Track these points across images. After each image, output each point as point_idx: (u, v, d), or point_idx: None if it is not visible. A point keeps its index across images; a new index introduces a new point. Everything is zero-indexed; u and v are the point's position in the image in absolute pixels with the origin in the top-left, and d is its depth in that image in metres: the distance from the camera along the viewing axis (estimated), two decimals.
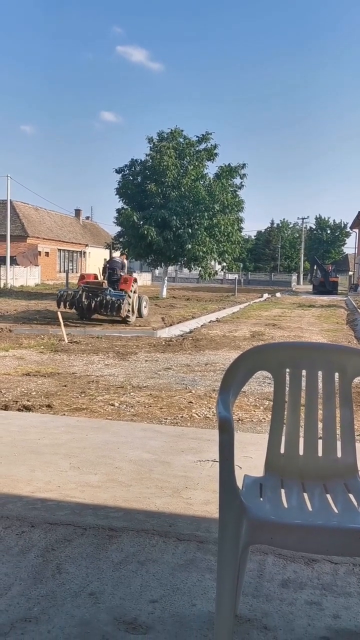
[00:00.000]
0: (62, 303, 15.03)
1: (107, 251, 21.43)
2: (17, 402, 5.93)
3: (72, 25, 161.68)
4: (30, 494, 3.17)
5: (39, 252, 45.62)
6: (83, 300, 15.08)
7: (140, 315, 16.79)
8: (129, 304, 15.54)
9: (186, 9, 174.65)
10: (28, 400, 6.04)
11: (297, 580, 2.37)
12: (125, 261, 18.28)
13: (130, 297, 15.81)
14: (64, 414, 5.48)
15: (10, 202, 41.21)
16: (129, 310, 15.38)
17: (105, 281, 16.23)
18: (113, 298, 14.92)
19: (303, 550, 2.23)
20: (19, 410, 5.59)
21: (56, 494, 3.19)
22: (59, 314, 13.01)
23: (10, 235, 40.01)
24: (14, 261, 40.45)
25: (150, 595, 2.23)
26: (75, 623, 2.04)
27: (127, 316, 15.25)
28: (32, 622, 2.04)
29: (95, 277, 17.39)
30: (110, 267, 17.16)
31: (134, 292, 16.40)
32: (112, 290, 15.51)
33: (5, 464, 3.66)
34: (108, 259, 18.25)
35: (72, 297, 15.13)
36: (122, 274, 17.05)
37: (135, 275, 26.51)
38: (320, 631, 2.04)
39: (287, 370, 2.23)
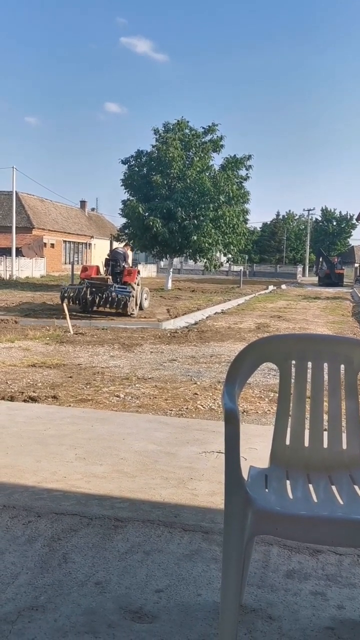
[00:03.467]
0: (65, 299, 14.89)
1: (110, 243, 21.30)
2: (23, 393, 5.96)
3: (76, 16, 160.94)
4: (37, 484, 3.19)
5: (45, 243, 45.63)
6: (87, 296, 14.94)
7: (141, 307, 16.67)
8: (133, 305, 15.44)
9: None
10: (34, 392, 6.06)
11: (302, 571, 2.38)
12: (129, 252, 18.13)
13: (135, 290, 15.76)
14: (70, 405, 5.50)
15: (16, 193, 41.17)
16: (132, 314, 15.29)
17: (110, 277, 15.99)
18: (119, 295, 14.75)
19: (308, 541, 2.23)
20: (24, 401, 5.62)
21: (62, 484, 3.21)
22: (64, 305, 13.04)
23: (16, 227, 40.01)
24: (19, 253, 40.46)
25: (156, 584, 2.24)
26: (81, 612, 2.06)
27: (132, 311, 15.16)
28: (38, 611, 2.06)
29: (98, 269, 17.28)
30: (112, 259, 17.05)
31: (138, 285, 16.35)
32: (117, 286, 15.34)
33: (11, 454, 3.68)
34: (110, 250, 18.13)
35: (77, 293, 14.98)
36: (125, 265, 16.96)
37: (139, 266, 26.51)
38: (324, 621, 2.05)
39: (293, 362, 2.23)
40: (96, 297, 14.95)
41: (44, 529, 2.69)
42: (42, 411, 4.93)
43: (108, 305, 14.57)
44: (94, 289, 15.11)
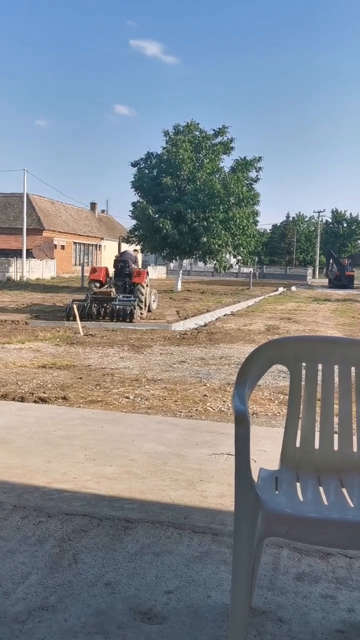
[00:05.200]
0: (71, 317, 14.55)
1: (123, 245, 21.28)
2: (33, 394, 5.98)
3: (86, 19, 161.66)
4: (47, 485, 3.21)
5: (55, 245, 45.80)
6: (93, 310, 14.79)
7: (149, 310, 16.62)
8: (141, 308, 15.37)
9: (199, 1, 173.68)
10: (44, 392, 6.08)
11: (312, 573, 2.38)
12: (139, 255, 18.10)
13: (143, 293, 15.71)
14: (80, 406, 5.52)
15: (27, 195, 41.38)
16: (141, 314, 15.23)
17: (113, 289, 15.79)
18: (124, 305, 14.61)
19: (318, 543, 2.23)
20: (35, 402, 5.64)
21: (72, 485, 3.22)
22: (74, 307, 13.07)
23: (27, 229, 40.20)
24: (30, 254, 40.64)
25: (166, 586, 2.24)
26: (91, 612, 2.07)
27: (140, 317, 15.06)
28: (49, 611, 2.06)
29: (107, 270, 17.27)
30: (121, 260, 17.06)
31: (147, 286, 16.34)
32: (120, 297, 15.19)
33: (22, 455, 3.69)
34: (119, 252, 18.10)
35: (82, 310, 14.73)
36: (134, 266, 16.96)
37: (149, 268, 26.49)
38: (334, 624, 2.04)
39: (303, 364, 2.23)
40: (101, 310, 14.88)
41: (54, 529, 2.70)
42: (52, 412, 4.95)
43: (115, 319, 14.38)
44: (96, 303, 15.00)
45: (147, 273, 17.11)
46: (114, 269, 17.11)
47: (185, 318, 15.66)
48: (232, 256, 31.01)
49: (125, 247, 20.18)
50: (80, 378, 7.06)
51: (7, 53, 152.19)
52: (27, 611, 2.06)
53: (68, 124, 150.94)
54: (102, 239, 56.17)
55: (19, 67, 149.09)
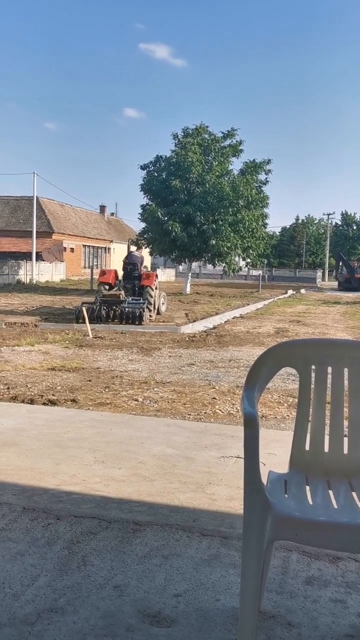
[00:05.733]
0: (80, 319, 14.56)
1: (133, 248, 21.32)
2: (42, 396, 6.00)
3: (95, 22, 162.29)
4: (56, 487, 3.21)
5: (64, 248, 45.96)
6: (102, 313, 14.85)
7: (158, 312, 16.62)
8: (150, 310, 15.38)
9: (207, 3, 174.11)
10: (53, 395, 6.10)
11: (322, 577, 2.36)
12: (145, 252, 18.08)
13: (152, 296, 15.73)
14: (89, 409, 5.53)
15: (36, 198, 41.57)
16: (150, 317, 15.24)
17: (122, 292, 15.87)
18: (133, 308, 14.64)
19: (328, 547, 2.22)
20: (44, 404, 5.66)
21: (81, 487, 3.22)
22: (83, 309, 13.11)
23: (36, 232, 40.38)
24: (39, 257, 40.81)
25: (174, 589, 2.24)
26: (100, 615, 2.07)
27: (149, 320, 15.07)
28: (58, 613, 2.07)
29: (116, 273, 17.30)
30: (130, 263, 17.07)
31: (156, 288, 16.35)
32: (130, 300, 15.24)
33: (31, 457, 3.71)
34: (127, 255, 18.10)
35: (91, 313, 14.73)
36: (142, 269, 16.98)
37: (158, 271, 26.53)
38: (344, 629, 2.03)
39: (313, 367, 2.22)
40: (110, 313, 14.91)
41: (63, 531, 2.70)
42: (62, 414, 4.96)
43: (124, 322, 14.39)
44: (106, 306, 15.04)
45: (156, 276, 17.12)
46: (123, 272, 17.13)
47: (194, 321, 15.66)
48: (241, 259, 30.99)
49: (133, 249, 20.18)
50: (89, 380, 7.07)
51: (16, 57, 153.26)
52: (36, 613, 2.06)
53: (77, 127, 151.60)
54: (111, 241, 56.31)
55: (28, 71, 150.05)
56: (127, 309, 14.59)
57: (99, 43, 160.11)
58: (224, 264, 29.20)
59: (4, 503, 2.98)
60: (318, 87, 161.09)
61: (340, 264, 46.33)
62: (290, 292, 34.12)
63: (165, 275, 48.60)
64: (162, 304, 17.28)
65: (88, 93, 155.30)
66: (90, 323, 12.28)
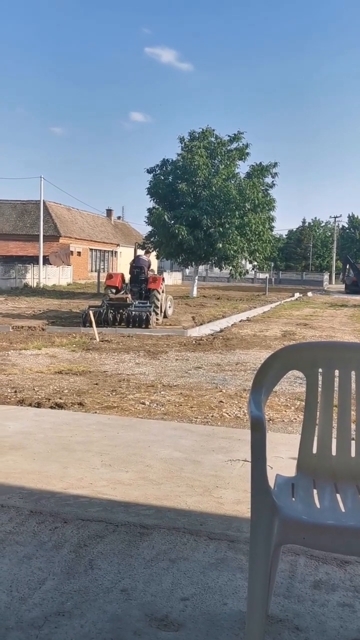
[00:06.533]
0: (87, 323, 14.57)
1: (140, 251, 21.34)
2: (49, 399, 6.01)
3: (100, 27, 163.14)
4: (63, 490, 3.22)
5: (71, 251, 46.08)
6: (109, 316, 14.82)
7: (165, 316, 16.59)
8: (157, 314, 15.36)
9: (212, 7, 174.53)
10: (60, 398, 6.11)
11: (330, 581, 2.35)
12: (152, 255, 18.04)
13: (159, 299, 15.72)
14: (96, 412, 5.54)
15: (43, 202, 41.72)
16: (157, 320, 15.22)
17: (129, 295, 15.84)
18: (139, 312, 14.60)
19: (335, 551, 2.21)
20: (51, 407, 5.67)
21: (88, 490, 3.22)
22: (90, 312, 13.13)
23: (43, 235, 40.51)
24: (46, 261, 40.93)
25: (182, 593, 2.23)
26: (107, 618, 2.06)
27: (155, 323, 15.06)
28: (65, 616, 2.07)
29: (123, 276, 17.32)
30: (137, 266, 17.08)
31: (163, 292, 16.35)
32: (136, 303, 15.21)
33: (38, 460, 3.71)
34: (134, 258, 18.11)
35: (98, 316, 14.67)
36: (149, 272, 16.99)
37: (165, 274, 26.51)
38: (352, 633, 2.02)
39: (320, 370, 2.21)
40: (117, 316, 14.91)
41: (70, 535, 2.70)
42: (69, 418, 4.97)
43: (130, 325, 14.38)
44: (113, 309, 15.04)
45: (163, 279, 17.12)
46: (129, 275, 17.14)
47: (201, 324, 15.65)
48: (247, 262, 30.97)
49: (139, 253, 20.18)
50: (96, 384, 7.08)
51: (23, 62, 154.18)
52: (43, 617, 2.06)
53: (84, 132, 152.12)
54: (118, 245, 56.41)
55: (34, 76, 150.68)
56: (133, 313, 14.58)
57: (105, 47, 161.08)
58: (230, 267, 29.19)
59: (12, 506, 2.99)
60: (324, 89, 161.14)
61: (348, 266, 46.18)
62: (297, 295, 34.05)
63: (172, 278, 48.59)
64: (169, 307, 17.27)
65: (94, 97, 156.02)
66: (97, 326, 12.31)
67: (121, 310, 14.92)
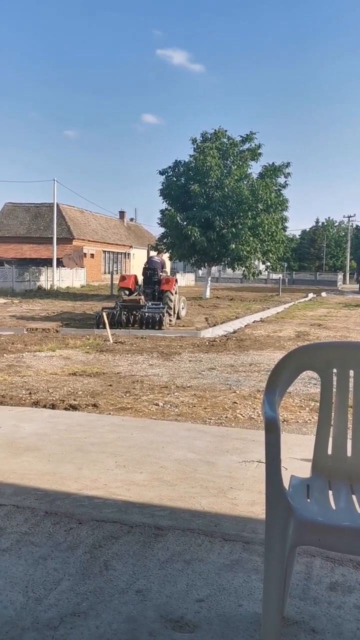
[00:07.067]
0: (100, 324, 14.08)
1: (153, 252, 21.38)
2: (64, 401, 6.03)
3: (111, 30, 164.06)
4: (78, 492, 3.23)
5: (85, 253, 46.28)
6: (122, 318, 14.82)
7: (178, 317, 16.60)
8: (170, 315, 15.37)
9: (223, 8, 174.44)
10: (75, 400, 6.13)
11: (346, 583, 2.34)
12: (165, 260, 18.06)
13: (172, 300, 15.74)
14: (110, 413, 5.55)
15: (57, 205, 41.94)
16: (170, 321, 15.23)
17: (142, 296, 15.85)
18: (152, 313, 14.61)
19: (351, 552, 2.19)
20: (65, 409, 5.69)
21: (103, 491, 3.23)
22: (104, 315, 13.16)
23: (57, 238, 40.72)
24: (60, 263, 41.15)
25: (197, 594, 2.23)
26: (122, 619, 2.07)
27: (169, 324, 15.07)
28: (80, 617, 2.07)
29: (136, 278, 17.36)
30: (150, 268, 17.11)
31: (176, 293, 16.36)
32: (149, 305, 15.24)
33: (53, 461, 3.73)
34: (147, 260, 18.14)
35: (111, 317, 14.48)
36: (162, 274, 17.01)
37: (178, 275, 26.51)
38: None
39: (334, 370, 2.20)
40: (130, 318, 14.94)
41: (85, 535, 2.71)
42: (83, 419, 4.98)
43: (144, 326, 14.40)
44: (126, 311, 15.07)
45: (176, 280, 17.12)
46: (142, 277, 17.18)
47: (214, 325, 15.63)
48: (260, 262, 30.88)
49: (152, 254, 20.20)
50: (110, 385, 7.10)
51: (35, 67, 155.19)
52: (59, 617, 2.07)
53: (96, 134, 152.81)
54: (131, 247, 56.55)
55: (47, 79, 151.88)
56: (147, 314, 14.61)
57: (117, 50, 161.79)
58: (243, 268, 29.13)
59: (27, 507, 3.01)
60: (337, 88, 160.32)
61: None
62: (310, 295, 33.88)
63: (185, 279, 48.61)
64: (182, 308, 17.27)
65: (107, 100, 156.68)
66: (110, 328, 12.34)
67: (135, 312, 14.95)
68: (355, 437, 2.20)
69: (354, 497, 2.02)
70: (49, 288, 37.10)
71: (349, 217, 78.50)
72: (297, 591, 2.26)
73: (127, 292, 16.54)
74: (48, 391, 6.61)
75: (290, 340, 12.31)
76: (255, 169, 29.83)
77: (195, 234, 26.24)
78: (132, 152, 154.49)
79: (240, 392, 6.76)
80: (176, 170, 29.49)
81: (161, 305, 15.23)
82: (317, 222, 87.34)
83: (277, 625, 1.79)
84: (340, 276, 63.19)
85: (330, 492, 2.05)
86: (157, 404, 6.05)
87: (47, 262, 40.27)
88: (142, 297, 15.88)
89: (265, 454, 1.78)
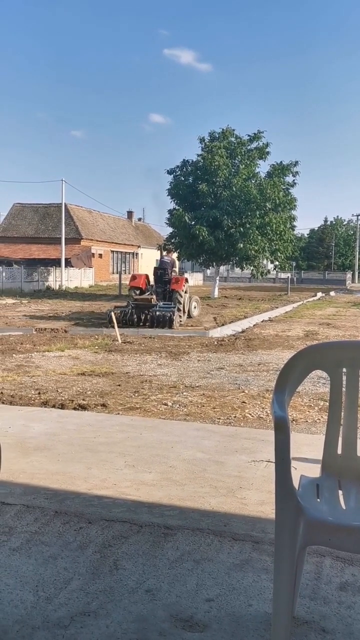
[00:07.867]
0: (110, 323, 14.58)
1: (159, 252, 21.41)
2: (73, 401, 6.05)
3: (118, 30, 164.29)
4: (87, 491, 3.24)
5: (93, 254, 46.37)
6: (134, 317, 14.89)
7: (189, 316, 16.66)
8: (180, 316, 15.41)
9: (230, 7, 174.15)
10: (83, 399, 6.15)
11: (356, 583, 2.33)
12: (175, 260, 18.12)
13: (181, 299, 15.78)
14: (119, 413, 5.56)
15: (65, 205, 42.05)
16: (180, 321, 15.26)
17: (154, 296, 15.93)
18: (163, 312, 14.70)
19: None
20: (75, 409, 5.71)
21: (112, 491, 3.24)
22: (112, 315, 13.19)
23: (65, 238, 40.82)
24: (68, 263, 41.25)
25: (207, 594, 2.23)
26: (132, 619, 2.07)
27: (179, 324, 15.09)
28: (90, 616, 2.08)
29: (147, 277, 17.42)
30: (160, 267, 17.18)
31: (185, 292, 16.40)
32: (161, 304, 15.30)
33: (62, 461, 3.74)
34: (159, 259, 18.21)
35: (122, 316, 14.72)
36: (173, 273, 17.07)
37: (186, 275, 26.52)
38: None
39: (344, 369, 2.19)
40: (141, 317, 14.99)
41: (94, 535, 2.72)
42: (92, 419, 5.00)
43: (155, 326, 14.45)
44: (137, 309, 15.12)
45: (186, 280, 17.16)
46: (153, 276, 17.24)
47: (223, 324, 15.62)
48: (269, 262, 30.80)
49: (163, 254, 20.22)
50: (119, 385, 7.11)
51: (43, 67, 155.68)
52: (69, 616, 2.08)
53: (104, 134, 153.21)
54: (139, 247, 56.60)
55: (53, 80, 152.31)
56: (157, 313, 14.68)
57: (124, 50, 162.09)
58: (251, 267, 29.08)
59: (37, 507, 3.02)
60: (345, 85, 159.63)
61: None
62: (319, 294, 33.76)
63: (193, 279, 48.55)
64: (195, 307, 17.34)
65: (114, 100, 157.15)
66: (122, 327, 12.34)
67: (146, 311, 15.00)
68: None
69: None
70: (57, 288, 37.21)
71: (357, 215, 77.90)
72: (307, 591, 2.25)
73: (137, 292, 16.60)
74: (57, 391, 6.63)
75: (299, 339, 12.27)
76: (263, 168, 29.82)
77: (204, 234, 26.22)
78: (140, 151, 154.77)
79: (249, 392, 6.75)
80: (184, 169, 29.48)
81: (172, 305, 15.28)
82: (325, 220, 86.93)
83: (287, 625, 1.79)
84: (349, 275, 62.87)
85: (340, 492, 2.05)
86: (165, 404, 6.05)
87: (56, 263, 40.38)
88: (154, 296, 15.95)
89: (275, 453, 1.77)
